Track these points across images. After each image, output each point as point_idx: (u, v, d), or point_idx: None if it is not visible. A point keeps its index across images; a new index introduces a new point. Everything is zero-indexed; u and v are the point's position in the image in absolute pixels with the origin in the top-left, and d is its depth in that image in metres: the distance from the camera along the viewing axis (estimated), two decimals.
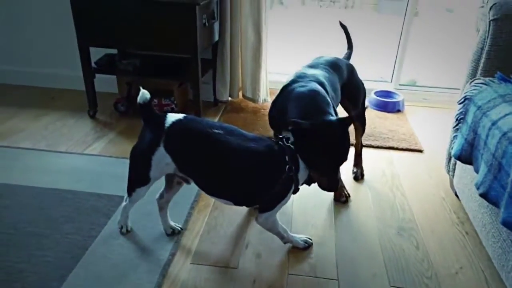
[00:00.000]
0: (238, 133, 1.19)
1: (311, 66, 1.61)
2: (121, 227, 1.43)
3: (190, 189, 1.66)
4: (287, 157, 1.16)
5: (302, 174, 1.21)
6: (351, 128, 1.30)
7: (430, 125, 2.42)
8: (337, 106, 1.64)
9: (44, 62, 2.65)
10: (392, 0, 5.89)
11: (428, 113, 2.61)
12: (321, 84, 1.42)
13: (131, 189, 1.30)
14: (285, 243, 1.39)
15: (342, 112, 1.89)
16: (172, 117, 1.19)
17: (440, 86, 2.82)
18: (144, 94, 1.17)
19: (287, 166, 1.16)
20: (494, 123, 1.17)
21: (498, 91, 1.28)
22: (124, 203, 1.38)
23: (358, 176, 1.86)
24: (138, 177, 1.26)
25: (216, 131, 1.17)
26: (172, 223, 1.45)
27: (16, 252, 1.31)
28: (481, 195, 1.17)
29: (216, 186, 1.23)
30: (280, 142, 1.18)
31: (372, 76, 2.91)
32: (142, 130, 1.23)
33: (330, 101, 1.34)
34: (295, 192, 1.23)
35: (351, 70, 1.75)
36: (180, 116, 1.21)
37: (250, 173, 1.18)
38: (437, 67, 3.23)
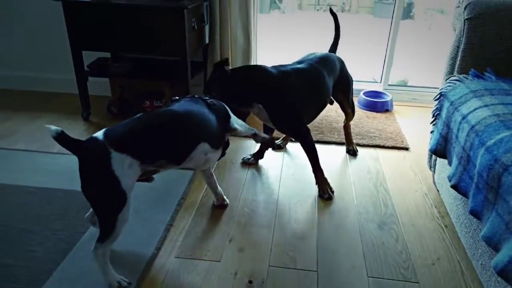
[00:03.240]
0: (166, 110, 1.32)
1: (299, 62, 1.70)
2: (118, 284, 1.20)
3: (176, 187, 1.72)
4: (209, 100, 1.40)
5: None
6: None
7: (418, 124, 2.46)
8: (314, 95, 1.71)
9: (38, 67, 2.71)
10: (387, 4, 6.00)
11: (417, 112, 2.64)
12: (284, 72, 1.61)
13: (112, 221, 1.12)
14: (258, 140, 1.60)
15: (335, 105, 2.00)
16: (97, 133, 1.13)
17: (429, 86, 2.85)
18: (51, 128, 1.07)
19: (210, 103, 1.39)
20: (464, 117, 1.21)
21: (470, 87, 1.32)
22: (99, 251, 1.15)
23: (351, 152, 2.07)
24: (113, 200, 1.11)
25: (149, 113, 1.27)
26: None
27: (3, 248, 1.36)
28: (453, 187, 1.20)
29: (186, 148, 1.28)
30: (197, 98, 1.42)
31: (365, 77, 2.96)
32: (80, 164, 1.10)
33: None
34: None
35: (342, 64, 1.86)
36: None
37: (202, 121, 1.32)
38: (433, 67, 3.30)
